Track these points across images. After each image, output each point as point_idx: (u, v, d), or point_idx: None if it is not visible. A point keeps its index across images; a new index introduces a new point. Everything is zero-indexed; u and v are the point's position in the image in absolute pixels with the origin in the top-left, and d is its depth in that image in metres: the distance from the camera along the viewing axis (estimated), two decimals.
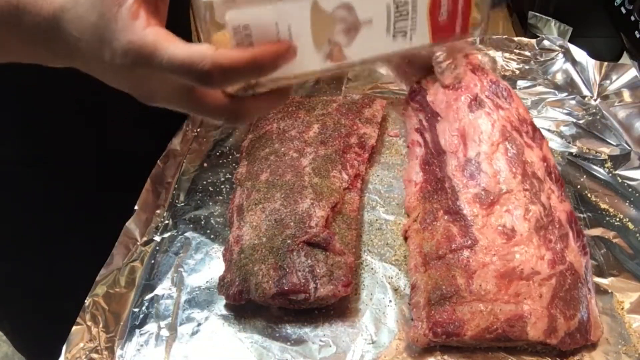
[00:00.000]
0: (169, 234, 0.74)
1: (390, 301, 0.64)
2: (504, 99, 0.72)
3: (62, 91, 0.73)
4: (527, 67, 1.01)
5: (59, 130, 0.76)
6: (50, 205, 0.81)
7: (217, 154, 0.87)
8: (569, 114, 0.90)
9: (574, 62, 0.98)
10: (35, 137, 0.76)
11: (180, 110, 0.43)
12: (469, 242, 0.62)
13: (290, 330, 0.62)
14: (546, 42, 1.03)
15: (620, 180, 0.78)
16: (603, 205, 0.74)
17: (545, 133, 0.87)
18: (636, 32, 0.99)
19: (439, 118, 0.75)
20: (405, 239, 0.70)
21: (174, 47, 0.38)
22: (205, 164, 0.85)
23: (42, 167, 0.78)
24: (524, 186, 0.64)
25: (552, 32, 1.14)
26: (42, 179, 0.79)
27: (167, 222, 0.75)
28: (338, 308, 0.63)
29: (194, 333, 0.62)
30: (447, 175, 0.69)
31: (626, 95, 0.91)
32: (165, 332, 0.62)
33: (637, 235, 0.70)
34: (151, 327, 0.63)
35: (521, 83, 0.97)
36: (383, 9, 0.42)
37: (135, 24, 0.39)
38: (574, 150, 0.84)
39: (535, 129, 0.72)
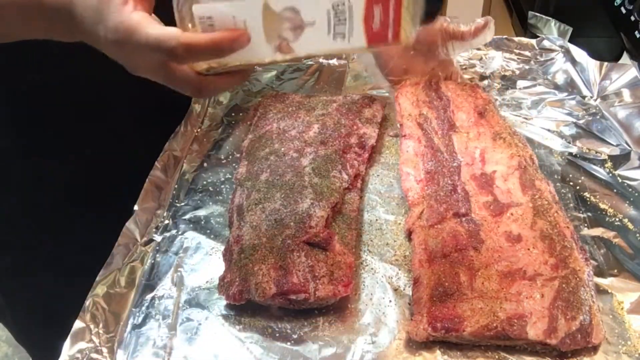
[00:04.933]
0: (169, 234, 0.74)
1: (390, 301, 0.64)
2: (522, 143, 0.77)
3: (60, 91, 0.74)
4: (527, 67, 1.01)
5: (59, 131, 0.76)
6: (50, 206, 0.81)
7: (217, 154, 0.87)
8: (569, 114, 0.90)
9: (574, 62, 0.98)
10: (35, 137, 0.76)
11: (157, 80, 0.52)
12: (475, 243, 0.63)
13: (290, 330, 0.62)
14: (546, 42, 1.03)
15: (620, 180, 0.78)
16: (603, 205, 0.74)
17: (545, 133, 0.87)
18: (636, 32, 0.99)
19: (455, 130, 0.78)
20: (409, 233, 0.70)
21: (151, 28, 0.47)
22: (205, 164, 0.85)
23: (43, 169, 0.78)
24: (533, 203, 0.67)
25: (552, 32, 1.14)
26: (43, 180, 0.79)
27: (167, 222, 0.75)
28: (338, 308, 0.63)
29: (194, 333, 0.62)
30: (461, 180, 0.71)
31: (626, 95, 0.90)
32: (165, 332, 0.62)
33: (637, 235, 0.70)
34: (151, 327, 0.63)
35: (521, 83, 0.97)
36: (324, 14, 0.49)
37: (124, 8, 0.48)
38: (574, 150, 0.84)
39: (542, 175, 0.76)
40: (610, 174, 0.79)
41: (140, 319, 0.63)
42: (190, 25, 0.48)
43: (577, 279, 0.60)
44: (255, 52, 0.49)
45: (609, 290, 0.64)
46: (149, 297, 0.66)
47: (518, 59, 1.03)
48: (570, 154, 0.83)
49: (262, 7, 0.47)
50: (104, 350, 0.60)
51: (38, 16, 0.53)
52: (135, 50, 0.48)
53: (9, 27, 0.55)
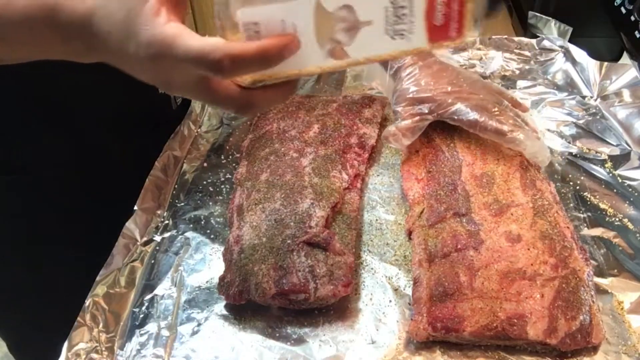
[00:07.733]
0: (169, 234, 0.74)
1: (390, 301, 0.64)
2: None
3: (60, 91, 0.74)
4: (527, 67, 1.01)
5: (58, 130, 0.76)
6: (50, 206, 0.81)
7: (217, 154, 0.87)
8: (569, 114, 0.90)
9: (574, 62, 0.98)
10: (35, 136, 0.76)
11: (196, 99, 0.48)
12: (475, 243, 0.63)
13: (290, 330, 0.62)
14: (546, 42, 1.03)
15: (620, 180, 0.78)
16: (603, 205, 0.74)
17: (545, 133, 0.87)
18: (636, 32, 0.99)
19: (457, 130, 0.78)
20: (409, 233, 0.70)
21: (190, 39, 0.41)
22: (205, 164, 0.85)
23: (42, 168, 0.78)
24: (533, 203, 0.67)
25: (552, 32, 1.14)
26: (42, 179, 0.79)
27: (167, 222, 0.75)
28: (338, 308, 0.63)
29: (194, 333, 0.62)
30: (461, 179, 0.71)
31: (626, 95, 0.90)
32: (165, 332, 0.62)
33: (637, 235, 0.70)
34: (151, 327, 0.63)
35: (521, 83, 0.97)
36: (382, 11, 0.44)
37: (157, 19, 0.42)
38: (574, 150, 0.84)
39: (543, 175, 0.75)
40: (610, 174, 0.79)
41: (140, 319, 0.64)
42: (231, 34, 0.43)
43: (577, 279, 0.60)
44: (306, 59, 0.44)
45: (609, 290, 0.64)
46: (149, 297, 0.66)
47: (518, 59, 1.03)
48: (570, 154, 0.83)
49: (314, 6, 0.43)
50: (104, 350, 0.60)
51: (51, 34, 0.46)
52: (173, 66, 0.43)
53: (19, 47, 0.48)
